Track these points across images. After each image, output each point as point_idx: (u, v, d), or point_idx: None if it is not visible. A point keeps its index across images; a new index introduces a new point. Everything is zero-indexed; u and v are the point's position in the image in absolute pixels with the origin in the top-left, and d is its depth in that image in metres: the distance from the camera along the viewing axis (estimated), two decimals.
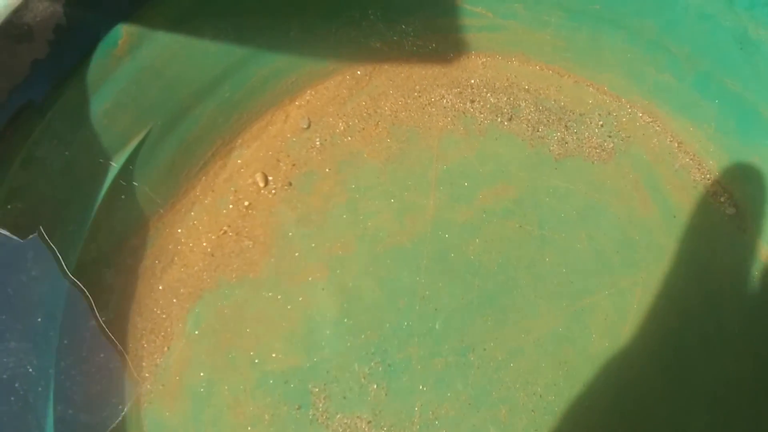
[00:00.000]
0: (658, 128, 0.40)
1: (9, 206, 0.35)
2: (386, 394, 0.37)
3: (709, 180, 0.39)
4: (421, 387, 0.37)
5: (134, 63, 0.39)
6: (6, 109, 0.35)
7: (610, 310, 0.38)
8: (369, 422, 0.37)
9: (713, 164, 0.39)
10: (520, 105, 0.42)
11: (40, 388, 0.35)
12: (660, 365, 0.37)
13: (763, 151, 0.37)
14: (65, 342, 0.36)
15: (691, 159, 0.39)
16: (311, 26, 0.41)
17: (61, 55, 0.36)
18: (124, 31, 0.38)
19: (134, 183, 0.40)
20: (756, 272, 0.37)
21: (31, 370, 0.34)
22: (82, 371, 0.36)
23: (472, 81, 0.42)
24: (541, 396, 0.37)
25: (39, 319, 0.35)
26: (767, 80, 0.36)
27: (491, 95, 0.42)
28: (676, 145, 0.40)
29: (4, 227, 0.35)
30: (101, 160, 0.39)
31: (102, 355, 0.37)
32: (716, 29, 0.37)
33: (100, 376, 0.37)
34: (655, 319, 0.37)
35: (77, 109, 0.38)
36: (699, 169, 0.39)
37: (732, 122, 0.38)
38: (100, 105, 0.38)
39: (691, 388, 0.36)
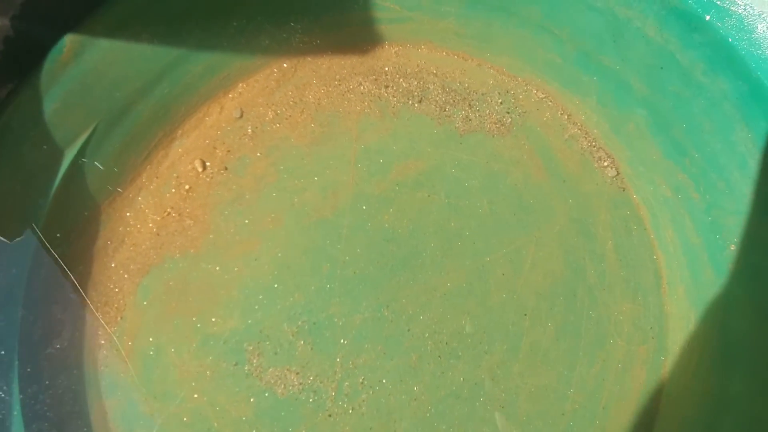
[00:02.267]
0: (550, 103, 0.45)
1: None
2: (312, 349, 0.42)
3: (594, 147, 0.44)
4: (342, 341, 0.42)
5: (79, 67, 0.44)
6: None
7: (507, 266, 0.42)
8: (297, 373, 0.42)
9: (597, 133, 0.44)
10: (429, 88, 0.46)
11: (15, 412, 0.40)
12: (551, 312, 0.42)
13: (636, 119, 0.42)
14: (28, 370, 0.41)
15: (579, 129, 0.44)
16: (235, 28, 0.45)
17: (12, 63, 0.41)
18: (68, 41, 0.43)
19: (84, 174, 0.45)
20: (633, 225, 0.42)
21: (3, 395, 0.39)
22: (48, 395, 0.41)
23: (386, 68, 0.47)
24: (446, 343, 0.41)
25: (2, 352, 0.40)
26: (634, 57, 0.40)
27: (403, 80, 0.46)
28: (566, 117, 0.45)
29: None
30: (53, 155, 0.44)
31: (62, 379, 0.42)
32: (590, 12, 0.41)
33: (66, 398, 0.42)
34: (546, 273, 0.42)
35: (30, 110, 0.43)
36: (585, 138, 0.44)
37: (610, 95, 0.42)
38: (51, 105, 0.43)
39: (577, 331, 0.41)
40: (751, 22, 0.35)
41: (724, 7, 0.35)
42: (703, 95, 0.38)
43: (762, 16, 0.35)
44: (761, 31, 0.34)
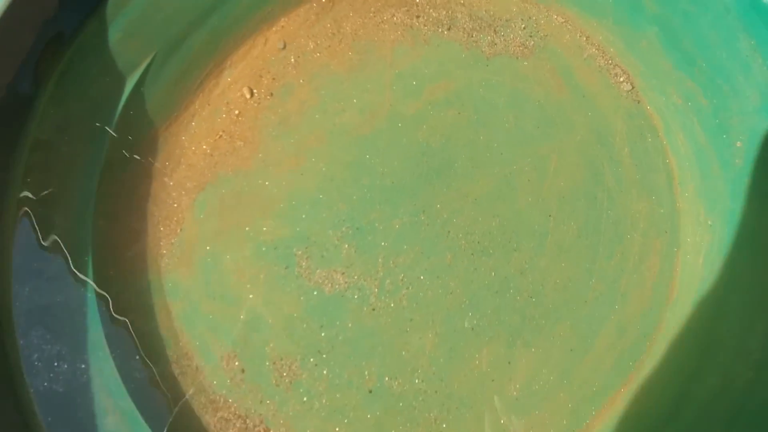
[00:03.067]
0: (569, 27, 0.49)
1: (51, 112, 0.45)
2: (355, 251, 0.46)
3: (611, 64, 0.48)
4: (383, 243, 0.46)
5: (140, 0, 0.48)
6: (41, 39, 0.44)
7: (532, 173, 0.47)
8: (342, 273, 0.46)
9: (613, 51, 0.48)
10: (456, 17, 0.50)
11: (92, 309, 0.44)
12: (572, 213, 0.46)
13: (649, 36, 0.45)
14: (111, 272, 0.45)
15: (596, 49, 0.48)
16: None
17: None
18: None
19: (144, 101, 0.50)
20: (647, 133, 0.46)
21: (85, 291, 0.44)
22: (126, 295, 0.45)
23: (417, 0, 0.51)
24: (478, 242, 0.46)
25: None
26: None
27: (433, 10, 0.50)
28: (584, 39, 0.49)
29: (48, 130, 0.45)
30: (117, 83, 0.48)
31: (133, 282, 0.46)
32: None
33: (136, 301, 0.46)
34: (567, 178, 0.46)
35: (97, 39, 0.47)
36: (603, 56, 0.48)
37: (625, 15, 0.46)
38: (115, 35, 0.48)
39: (597, 228, 0.45)
40: None
41: None
42: (709, 11, 0.42)
43: None
44: None
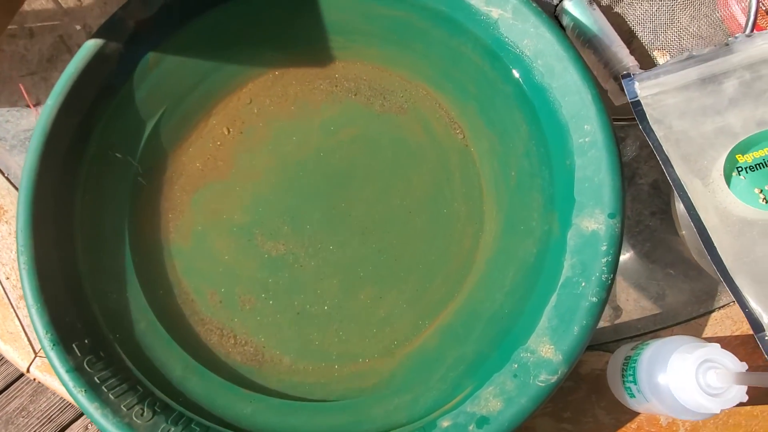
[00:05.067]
0: (429, 97, 0.78)
1: (102, 142, 0.73)
2: (291, 231, 0.74)
3: (452, 121, 0.78)
4: (308, 226, 0.75)
5: (157, 71, 0.76)
6: (99, 95, 0.73)
7: (401, 185, 0.76)
8: (283, 244, 0.75)
9: (453, 114, 0.76)
10: (361, 87, 0.80)
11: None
12: (423, 210, 0.76)
13: (472, 105, 0.76)
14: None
15: (444, 111, 0.78)
16: (244, 54, 0.79)
17: (123, 65, 0.75)
18: (150, 56, 0.76)
19: (159, 136, 0.78)
20: (471, 166, 0.77)
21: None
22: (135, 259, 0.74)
23: (336, 75, 0.80)
24: (366, 227, 0.75)
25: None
26: (467, 72, 0.75)
27: (346, 82, 0.80)
28: (437, 105, 0.78)
29: (99, 154, 0.73)
30: (141, 126, 0.77)
31: (147, 246, 0.76)
32: (444, 47, 0.76)
33: (150, 255, 0.76)
34: (422, 189, 0.75)
35: (129, 97, 0.76)
36: (447, 116, 0.78)
37: (459, 93, 0.77)
38: (141, 95, 0.76)
39: (436, 217, 0.76)
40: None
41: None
42: (499, 94, 0.73)
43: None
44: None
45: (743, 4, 0.75)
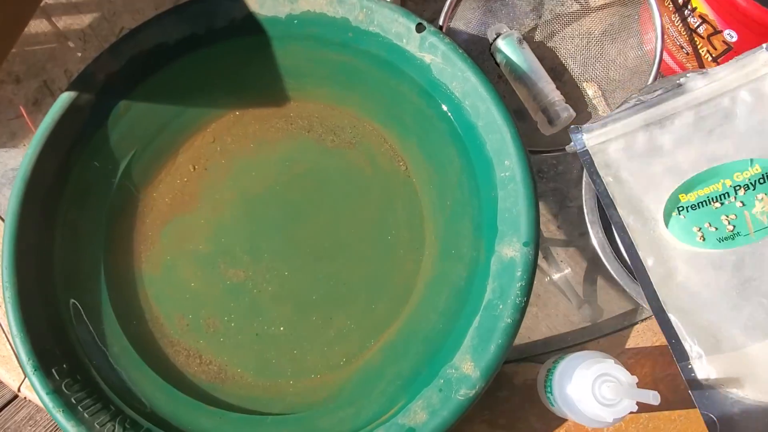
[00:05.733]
0: (376, 133, 0.85)
1: (80, 181, 0.82)
2: (251, 259, 0.83)
3: (396, 155, 0.84)
4: (265, 255, 0.83)
5: (127, 117, 0.84)
6: (76, 138, 0.82)
7: (349, 213, 0.84)
8: (243, 271, 0.83)
9: (397, 148, 0.84)
10: (313, 124, 0.87)
11: None
12: (368, 236, 0.84)
13: (413, 141, 0.84)
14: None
15: (389, 146, 0.84)
16: (206, 99, 0.87)
17: (95, 113, 0.83)
18: (122, 104, 0.84)
19: (132, 175, 0.86)
20: (412, 196, 0.84)
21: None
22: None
23: (291, 114, 0.87)
24: (318, 253, 0.83)
25: None
26: (407, 111, 0.83)
27: (300, 120, 0.87)
28: (383, 140, 0.85)
29: (77, 193, 0.82)
30: (114, 166, 0.85)
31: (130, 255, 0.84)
32: (387, 89, 0.83)
33: (125, 273, 0.84)
34: (369, 217, 0.83)
35: (103, 140, 0.85)
36: (392, 151, 0.85)
37: (401, 131, 0.84)
38: (114, 138, 0.84)
39: (384, 244, 0.83)
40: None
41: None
42: (434, 131, 0.81)
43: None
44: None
45: (667, 39, 0.81)
